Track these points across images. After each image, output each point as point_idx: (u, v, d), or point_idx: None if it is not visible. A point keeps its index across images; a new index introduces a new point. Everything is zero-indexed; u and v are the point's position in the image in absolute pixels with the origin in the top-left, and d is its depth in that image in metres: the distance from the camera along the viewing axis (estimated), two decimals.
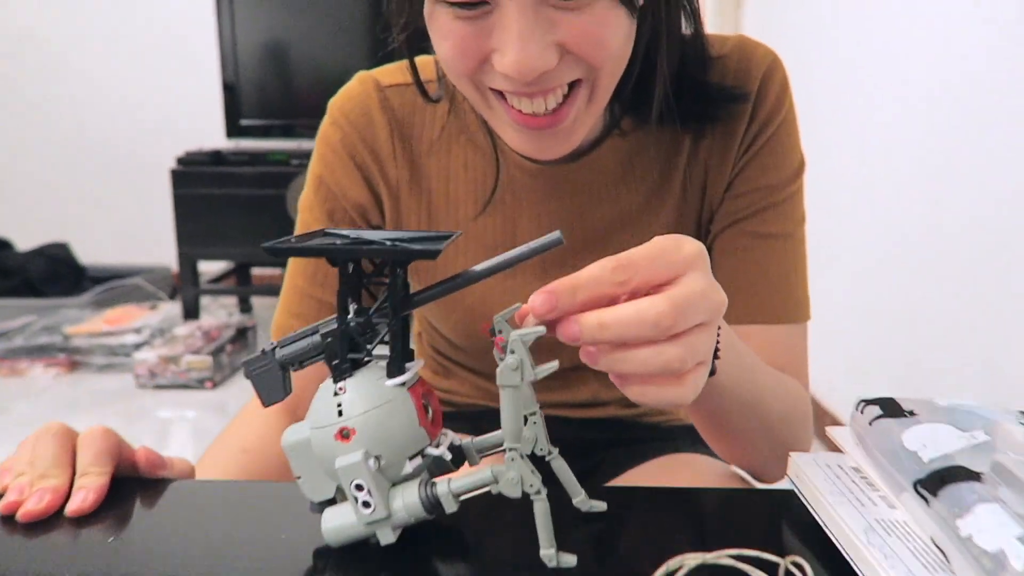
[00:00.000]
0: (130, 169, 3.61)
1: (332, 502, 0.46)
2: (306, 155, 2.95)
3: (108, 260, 3.54)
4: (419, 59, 0.73)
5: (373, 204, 0.79)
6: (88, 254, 3.49)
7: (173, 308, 3.03)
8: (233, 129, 3.21)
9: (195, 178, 2.96)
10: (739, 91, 0.72)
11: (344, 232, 0.47)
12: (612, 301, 0.42)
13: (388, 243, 0.42)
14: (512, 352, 0.40)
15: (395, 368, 0.43)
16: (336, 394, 0.43)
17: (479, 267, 0.43)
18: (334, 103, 0.79)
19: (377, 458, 0.43)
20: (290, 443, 0.46)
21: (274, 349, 0.45)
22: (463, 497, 0.44)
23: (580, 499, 0.49)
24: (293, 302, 0.80)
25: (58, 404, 2.43)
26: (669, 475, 0.80)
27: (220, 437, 0.75)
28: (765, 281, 0.73)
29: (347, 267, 0.43)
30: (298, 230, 0.83)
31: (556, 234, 0.42)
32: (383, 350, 0.44)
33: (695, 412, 0.62)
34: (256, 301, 3.63)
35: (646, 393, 0.43)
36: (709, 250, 0.73)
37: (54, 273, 3.17)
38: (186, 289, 3.07)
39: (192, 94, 3.52)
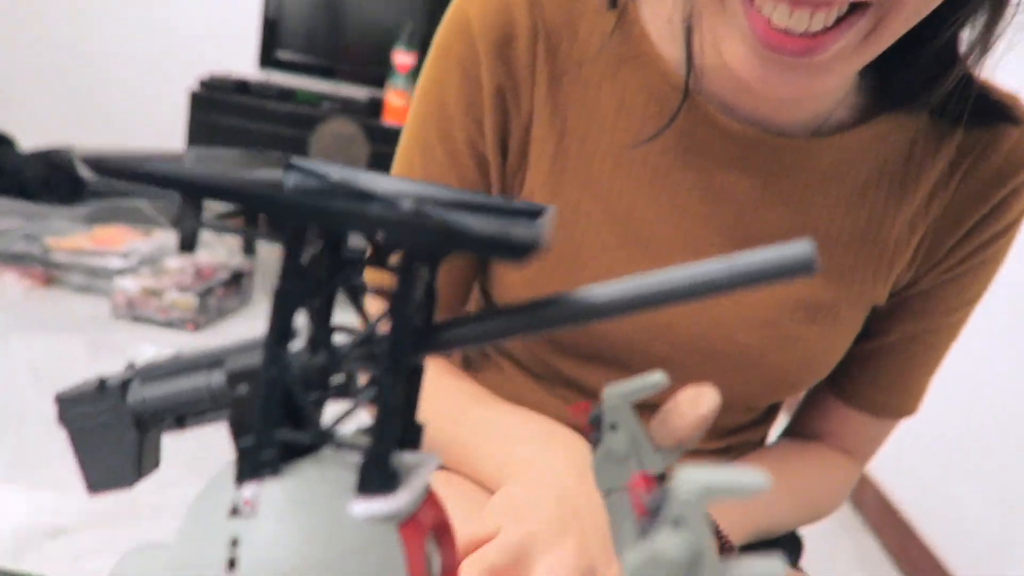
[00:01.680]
0: (151, 87, 3.38)
1: None
2: (341, 100, 2.69)
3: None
4: None
5: (495, 146, 0.56)
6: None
7: (169, 237, 2.80)
8: (267, 59, 2.95)
9: (216, 105, 2.70)
10: None
11: (327, 171, 0.23)
12: None
13: (405, 204, 0.18)
14: (676, 524, 0.16)
15: (376, 475, 0.19)
16: (235, 513, 0.19)
17: (606, 291, 0.19)
18: None
19: None
20: None
21: (126, 384, 0.21)
22: None
23: None
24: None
25: (25, 320, 2.20)
26: None
27: None
28: (907, 378, 0.63)
29: (298, 240, 0.19)
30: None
31: (806, 247, 0.18)
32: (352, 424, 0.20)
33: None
34: (261, 247, 3.37)
35: None
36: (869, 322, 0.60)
37: (51, 180, 2.94)
38: (184, 219, 2.83)
39: (229, 15, 3.26)
